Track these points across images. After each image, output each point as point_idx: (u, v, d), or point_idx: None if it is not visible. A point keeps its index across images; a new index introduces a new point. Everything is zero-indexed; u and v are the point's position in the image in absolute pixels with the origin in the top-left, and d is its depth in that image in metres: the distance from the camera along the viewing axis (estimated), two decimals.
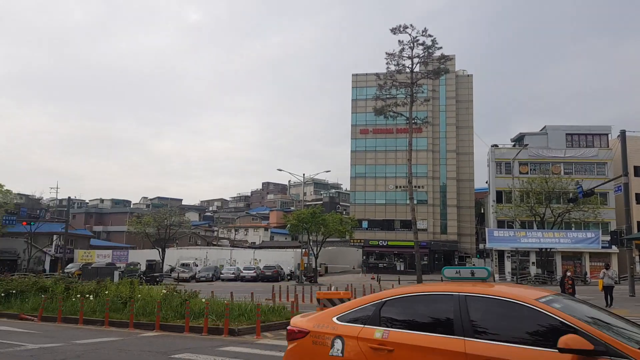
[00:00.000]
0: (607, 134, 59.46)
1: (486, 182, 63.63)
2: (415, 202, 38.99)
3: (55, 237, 65.80)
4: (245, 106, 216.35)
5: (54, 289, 18.46)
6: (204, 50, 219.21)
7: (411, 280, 43.34)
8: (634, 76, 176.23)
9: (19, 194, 73.34)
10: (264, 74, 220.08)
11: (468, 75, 71.96)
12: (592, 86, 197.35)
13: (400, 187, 67.21)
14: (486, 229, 52.54)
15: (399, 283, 42.13)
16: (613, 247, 47.39)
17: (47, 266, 61.12)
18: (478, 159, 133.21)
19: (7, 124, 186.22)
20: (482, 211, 70.49)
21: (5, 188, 58.05)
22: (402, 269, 64.40)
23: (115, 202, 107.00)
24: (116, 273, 38.75)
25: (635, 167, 54.08)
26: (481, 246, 62.12)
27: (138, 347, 11.04)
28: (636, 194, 52.41)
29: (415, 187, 51.10)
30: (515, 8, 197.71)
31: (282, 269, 55.62)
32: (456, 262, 66.39)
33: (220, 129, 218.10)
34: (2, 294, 18.73)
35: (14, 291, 18.82)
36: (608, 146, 58.18)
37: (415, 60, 36.49)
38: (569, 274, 25.13)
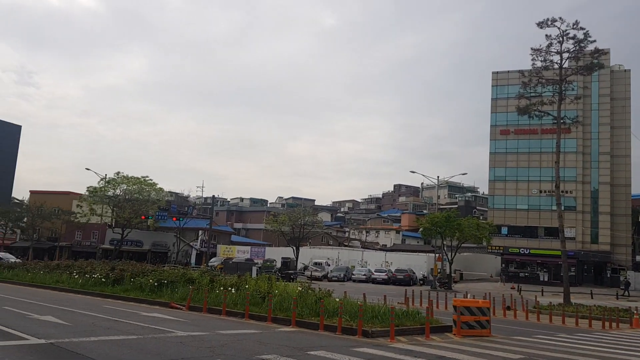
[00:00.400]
0: None
1: None
2: (562, 208, 35.86)
3: (200, 232, 71.06)
4: (377, 108, 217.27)
5: (200, 280, 19.71)
6: (337, 53, 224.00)
7: (556, 292, 40.07)
8: None
9: (169, 191, 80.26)
10: (397, 75, 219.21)
11: (625, 71, 65.82)
12: None
13: (545, 191, 63.14)
14: None
15: (542, 295, 39.18)
16: None
17: (192, 259, 66.01)
18: (636, 162, 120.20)
19: (159, 127, 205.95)
20: None
21: (158, 186, 62.85)
22: (546, 279, 60.50)
23: (254, 201, 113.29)
24: (254, 268, 40.62)
25: None
26: (638, 258, 56.20)
27: (276, 341, 11.23)
28: None
29: (562, 192, 47.46)
30: None
31: (414, 273, 54.63)
32: (608, 275, 60.52)
33: (351, 131, 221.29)
34: (155, 284, 20.37)
35: (165, 281, 20.40)
36: None
37: (565, 55, 33.62)
38: None
